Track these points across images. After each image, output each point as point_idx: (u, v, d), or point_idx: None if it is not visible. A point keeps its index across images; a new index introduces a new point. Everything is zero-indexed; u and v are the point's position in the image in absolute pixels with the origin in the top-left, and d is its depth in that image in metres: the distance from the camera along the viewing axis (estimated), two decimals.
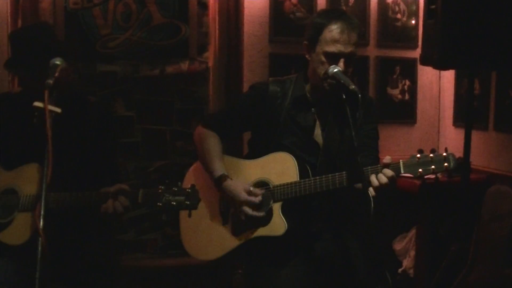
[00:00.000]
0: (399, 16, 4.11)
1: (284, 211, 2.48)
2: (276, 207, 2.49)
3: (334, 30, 2.45)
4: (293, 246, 2.50)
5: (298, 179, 2.47)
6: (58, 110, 2.11)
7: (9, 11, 3.44)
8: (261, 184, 2.56)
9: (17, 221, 2.43)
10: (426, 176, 3.50)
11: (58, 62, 2.25)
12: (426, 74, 4.20)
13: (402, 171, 2.25)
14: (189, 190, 2.30)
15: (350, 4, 3.99)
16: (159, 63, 3.83)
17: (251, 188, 2.51)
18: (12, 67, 2.59)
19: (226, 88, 3.80)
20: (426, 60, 3.27)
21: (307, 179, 2.45)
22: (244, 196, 2.48)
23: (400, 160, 2.27)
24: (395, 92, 4.17)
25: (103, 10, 3.73)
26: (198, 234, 2.68)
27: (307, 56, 2.57)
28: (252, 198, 2.48)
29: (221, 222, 2.62)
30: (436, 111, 4.27)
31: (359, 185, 2.33)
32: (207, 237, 2.65)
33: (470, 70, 3.20)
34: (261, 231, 2.51)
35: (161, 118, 3.88)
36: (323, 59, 2.46)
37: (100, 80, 3.76)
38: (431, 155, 2.24)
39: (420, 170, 2.24)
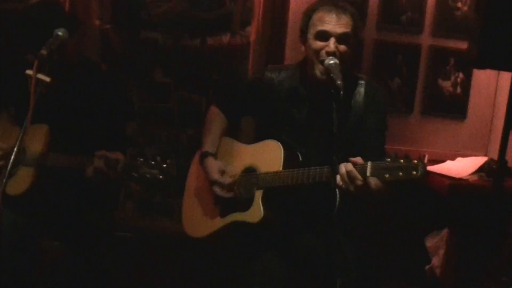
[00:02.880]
0: (459, 5, 3.86)
1: (266, 200, 2.47)
2: (258, 195, 2.49)
3: (321, 11, 2.42)
4: (271, 237, 2.49)
5: (281, 169, 2.45)
6: (47, 79, 2.20)
7: None
8: (250, 170, 2.59)
9: (19, 173, 2.62)
10: (458, 176, 3.48)
11: (60, 33, 2.33)
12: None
13: (368, 174, 2.15)
14: (165, 166, 2.37)
15: None
16: (200, 34, 3.86)
17: (225, 169, 2.55)
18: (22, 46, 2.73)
19: (266, 65, 3.72)
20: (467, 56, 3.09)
21: (289, 170, 2.42)
22: (216, 175, 2.54)
23: (369, 162, 2.17)
24: (447, 84, 3.96)
25: None
26: (193, 210, 2.74)
27: (302, 48, 2.55)
28: (222, 179, 2.54)
29: (213, 202, 2.66)
30: (490, 109, 4.02)
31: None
32: (199, 215, 2.71)
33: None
34: (239, 216, 2.53)
35: (198, 87, 3.94)
36: (315, 42, 2.42)
37: (142, 46, 3.86)
38: (401, 160, 2.10)
39: (387, 175, 2.12)
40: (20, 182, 2.58)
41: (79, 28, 2.63)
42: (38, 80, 2.18)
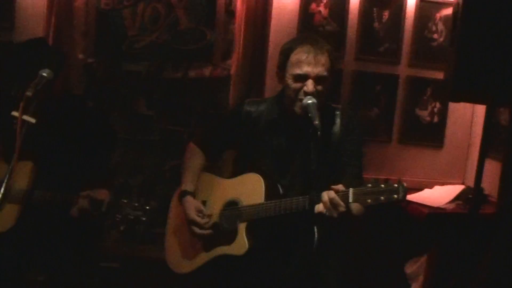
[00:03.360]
0: (435, 36, 3.98)
1: (250, 231, 2.53)
2: (242, 227, 2.54)
3: (299, 52, 2.47)
4: (258, 267, 2.55)
5: (263, 201, 2.51)
6: (33, 120, 2.26)
7: (45, 9, 3.61)
8: (232, 203, 2.64)
9: (4, 210, 2.63)
10: (435, 205, 3.54)
11: (44, 74, 2.37)
12: None
13: (350, 200, 2.21)
14: (148, 208, 2.44)
15: (384, 20, 3.92)
16: (183, 67, 3.93)
17: (202, 208, 2.62)
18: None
19: (246, 97, 3.76)
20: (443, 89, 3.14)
21: (271, 201, 2.48)
22: (193, 215, 2.61)
23: (351, 188, 2.22)
24: (424, 113, 4.06)
25: (132, 12, 3.87)
26: (176, 247, 2.79)
27: (280, 84, 2.61)
28: (199, 219, 2.60)
29: (196, 237, 2.69)
30: (466, 137, 4.13)
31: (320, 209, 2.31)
32: (183, 251, 2.75)
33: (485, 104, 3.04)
34: (224, 249, 2.58)
35: (180, 119, 3.99)
36: (292, 83, 2.49)
37: (124, 79, 3.91)
38: (382, 185, 2.17)
39: (369, 200, 2.18)
40: (5, 219, 2.61)
41: (64, 66, 2.68)
42: (24, 121, 2.23)
